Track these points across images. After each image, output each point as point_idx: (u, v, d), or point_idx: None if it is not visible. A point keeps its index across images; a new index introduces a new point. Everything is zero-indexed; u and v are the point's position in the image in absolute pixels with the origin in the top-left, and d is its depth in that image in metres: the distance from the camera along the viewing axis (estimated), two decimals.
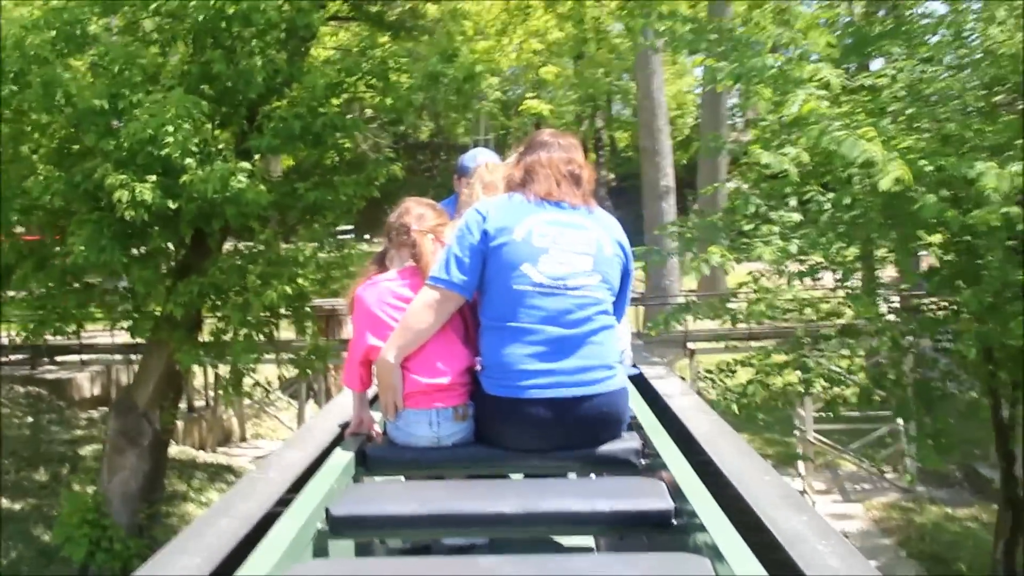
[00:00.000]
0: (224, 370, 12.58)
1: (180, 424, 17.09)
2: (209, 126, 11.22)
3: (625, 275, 2.77)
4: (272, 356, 13.42)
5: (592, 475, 2.82)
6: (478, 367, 2.69)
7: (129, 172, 9.92)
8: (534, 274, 2.57)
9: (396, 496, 2.46)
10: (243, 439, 19.31)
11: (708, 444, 2.68)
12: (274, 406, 19.61)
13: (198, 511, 14.07)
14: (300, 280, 11.01)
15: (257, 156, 10.81)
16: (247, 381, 13.25)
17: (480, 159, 3.70)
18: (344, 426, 2.85)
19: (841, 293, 10.64)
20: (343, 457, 2.54)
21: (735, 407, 9.15)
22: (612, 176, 38.09)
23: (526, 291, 2.56)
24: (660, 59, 20.81)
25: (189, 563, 1.86)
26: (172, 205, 10.09)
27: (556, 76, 20.47)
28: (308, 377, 15.96)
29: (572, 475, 2.84)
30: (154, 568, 1.84)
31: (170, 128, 9.66)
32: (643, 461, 2.63)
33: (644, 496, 2.26)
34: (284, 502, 2.23)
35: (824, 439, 17.20)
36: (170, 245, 11.48)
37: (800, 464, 16.57)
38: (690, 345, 17.11)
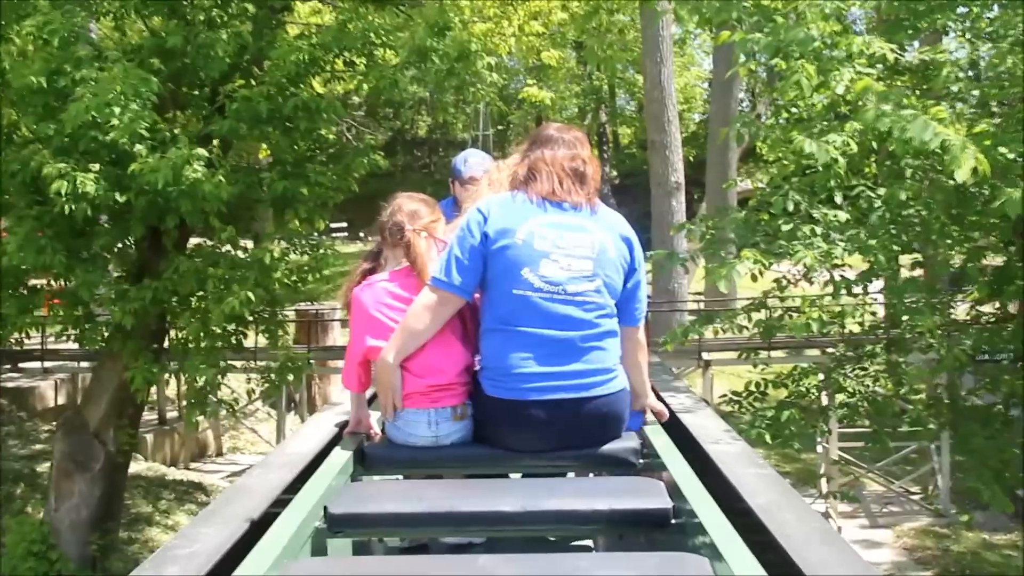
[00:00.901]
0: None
1: (149, 438, 15.84)
2: (173, 111, 10.00)
3: (631, 273, 2.68)
4: (243, 367, 12.15)
5: (591, 475, 2.82)
6: (477, 367, 2.69)
7: (70, 160, 8.66)
8: (535, 279, 2.55)
9: (394, 495, 2.47)
10: (219, 454, 18.01)
11: (707, 443, 2.71)
12: (253, 417, 18.30)
13: (163, 536, 12.81)
14: (269, 284, 9.67)
15: (216, 142, 9.48)
16: (218, 393, 11.96)
17: (471, 161, 3.79)
18: (342, 426, 2.87)
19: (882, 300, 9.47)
20: (341, 456, 2.55)
21: (768, 436, 7.88)
22: (615, 173, 36.91)
23: (527, 296, 2.55)
24: (670, 46, 19.48)
25: (188, 562, 1.87)
26: (120, 198, 8.84)
27: (558, 62, 19.13)
28: (288, 387, 14.65)
29: (571, 475, 2.85)
30: (153, 567, 1.86)
31: (116, 109, 8.40)
32: (642, 461, 2.63)
33: (643, 495, 2.25)
34: (282, 501, 2.22)
35: (847, 456, 15.88)
36: (123, 245, 10.16)
37: (822, 483, 15.25)
38: (705, 355, 15.76)
